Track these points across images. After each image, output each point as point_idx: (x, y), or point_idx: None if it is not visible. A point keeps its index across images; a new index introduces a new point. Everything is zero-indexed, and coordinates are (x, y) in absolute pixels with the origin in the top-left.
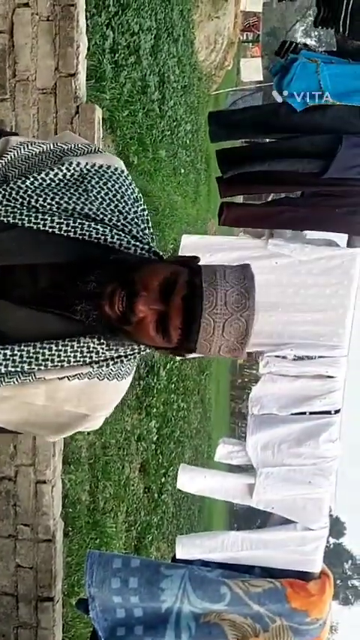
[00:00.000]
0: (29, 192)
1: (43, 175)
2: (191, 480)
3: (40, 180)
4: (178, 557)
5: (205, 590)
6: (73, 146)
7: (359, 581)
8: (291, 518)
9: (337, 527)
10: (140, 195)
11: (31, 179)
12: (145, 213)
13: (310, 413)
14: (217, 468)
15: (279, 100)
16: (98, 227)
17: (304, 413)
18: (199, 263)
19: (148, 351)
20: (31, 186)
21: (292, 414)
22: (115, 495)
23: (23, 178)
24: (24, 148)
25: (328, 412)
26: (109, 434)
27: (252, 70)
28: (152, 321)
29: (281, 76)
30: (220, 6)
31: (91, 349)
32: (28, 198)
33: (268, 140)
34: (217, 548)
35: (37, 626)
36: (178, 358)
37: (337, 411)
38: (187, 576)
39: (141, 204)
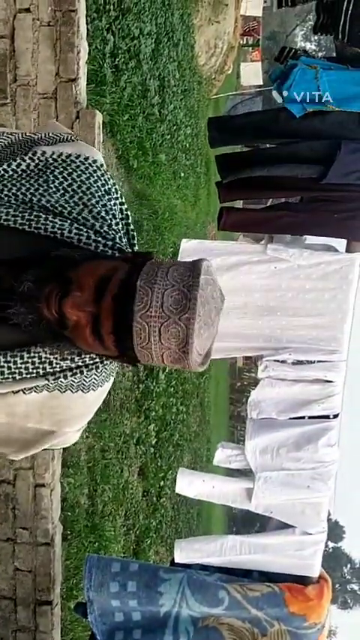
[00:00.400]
0: None
1: (5, 166)
2: (190, 484)
3: (2, 172)
4: (176, 561)
5: (203, 594)
6: (43, 135)
7: (358, 585)
8: (289, 523)
9: (335, 531)
10: (116, 187)
11: None
12: (123, 207)
13: (309, 417)
14: (216, 472)
15: (279, 100)
16: (56, 220)
17: (303, 417)
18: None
19: (112, 362)
20: None
21: (290, 419)
22: (113, 499)
23: None
24: None
25: (327, 417)
26: (108, 437)
27: (252, 74)
28: (87, 325)
29: (281, 82)
30: (221, 10)
31: (43, 360)
32: None
33: (267, 145)
34: (215, 552)
35: (36, 630)
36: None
37: (335, 416)
38: (186, 580)
39: (114, 197)
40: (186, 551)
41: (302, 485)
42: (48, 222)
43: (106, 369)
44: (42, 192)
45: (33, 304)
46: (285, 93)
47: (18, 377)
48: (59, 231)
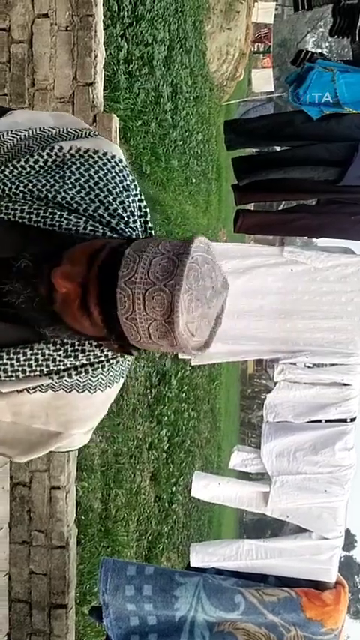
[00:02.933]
0: (5, 181)
1: (22, 162)
2: (205, 487)
3: (20, 168)
4: (192, 564)
5: (219, 598)
6: (62, 130)
7: None
8: (306, 527)
9: (348, 539)
10: (135, 184)
11: (11, 167)
12: (142, 204)
13: (326, 421)
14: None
15: (294, 103)
16: (71, 217)
17: (320, 421)
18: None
19: (120, 359)
20: (9, 175)
21: (307, 422)
22: (126, 504)
23: (4, 167)
24: (6, 134)
25: (344, 420)
26: (121, 442)
27: (263, 80)
28: (77, 299)
29: (297, 85)
30: (232, 18)
31: (46, 357)
32: (2, 187)
33: (283, 148)
34: (231, 556)
35: (51, 634)
36: (186, 362)
37: (353, 419)
38: (202, 584)
39: (132, 194)
40: (202, 555)
41: (319, 489)
42: (63, 219)
43: (113, 368)
44: (57, 189)
45: (29, 281)
46: (302, 96)
47: (21, 375)
48: (74, 228)
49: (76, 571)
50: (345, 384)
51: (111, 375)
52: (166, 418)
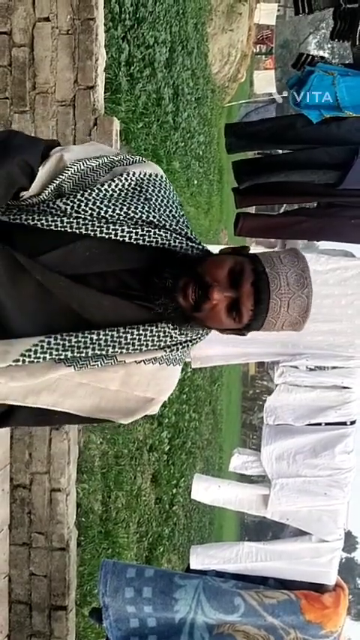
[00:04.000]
0: (97, 204)
1: (106, 187)
2: (206, 490)
3: (104, 192)
4: (192, 567)
5: (219, 600)
6: (122, 157)
7: None
8: (306, 530)
9: (349, 541)
10: (177, 197)
11: (96, 191)
12: (184, 214)
13: (326, 424)
14: (229, 480)
15: (295, 107)
16: (162, 233)
17: (320, 424)
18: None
19: (206, 336)
20: (97, 197)
21: (307, 425)
22: (127, 506)
23: (87, 190)
24: (81, 165)
25: (344, 423)
26: (122, 443)
27: (265, 82)
28: (224, 307)
29: (298, 88)
30: (234, 19)
31: (166, 333)
32: (97, 210)
33: (283, 151)
34: (231, 558)
35: (51, 635)
36: (187, 364)
37: (352, 422)
38: (202, 587)
39: (180, 207)
40: (202, 557)
41: (319, 492)
42: (157, 235)
43: (193, 346)
44: (147, 210)
45: (172, 295)
46: (302, 99)
47: (144, 348)
48: (167, 242)
49: (77, 573)
50: (345, 387)
51: (187, 352)
52: (167, 420)
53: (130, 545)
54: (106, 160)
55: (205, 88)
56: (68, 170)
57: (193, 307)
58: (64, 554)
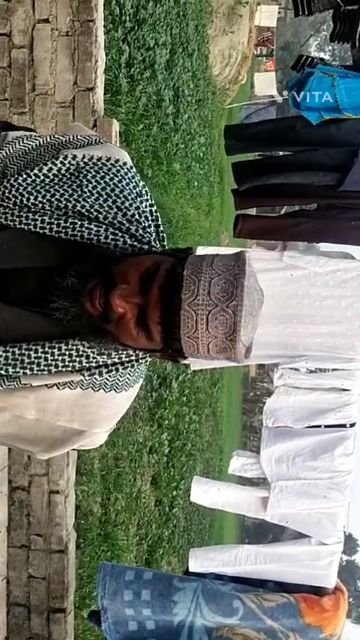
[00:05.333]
0: (21, 190)
1: (36, 171)
2: (205, 493)
3: (34, 177)
4: (191, 569)
5: (218, 603)
6: (71, 137)
7: None
8: (305, 533)
9: (349, 544)
10: (146, 189)
11: (24, 176)
12: (153, 209)
13: (325, 426)
14: (229, 482)
15: (295, 108)
16: (92, 226)
17: (319, 426)
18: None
19: (147, 358)
20: (23, 184)
21: (306, 427)
22: (126, 508)
23: (17, 176)
24: (19, 142)
25: (344, 425)
26: (122, 445)
27: (266, 84)
28: (132, 318)
29: (297, 90)
30: (235, 21)
31: (80, 353)
32: (20, 197)
33: (283, 153)
34: (230, 561)
35: (49, 638)
36: (187, 366)
37: (352, 425)
38: (200, 589)
39: (146, 200)
40: (201, 560)
41: (318, 494)
42: (84, 228)
43: (139, 368)
44: (76, 198)
45: (76, 298)
46: (302, 101)
47: (54, 369)
48: (95, 238)
49: (76, 575)
50: (344, 390)
51: (135, 375)
52: (167, 422)
53: (130, 548)
54: (49, 140)
55: (205, 90)
56: (3, 150)
57: (101, 316)
58: (63, 556)
